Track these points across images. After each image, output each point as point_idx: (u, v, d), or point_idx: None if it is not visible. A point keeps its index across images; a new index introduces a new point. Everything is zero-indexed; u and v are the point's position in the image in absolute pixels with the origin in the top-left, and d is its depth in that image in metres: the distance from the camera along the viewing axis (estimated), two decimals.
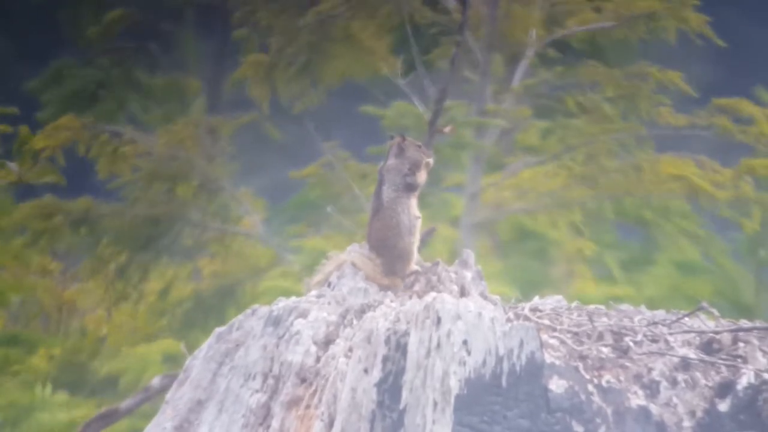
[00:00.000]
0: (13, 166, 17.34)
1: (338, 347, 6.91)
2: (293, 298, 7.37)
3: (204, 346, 7.33)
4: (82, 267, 19.49)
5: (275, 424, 6.76)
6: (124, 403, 10.95)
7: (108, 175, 19.17)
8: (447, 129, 12.70)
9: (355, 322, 7.08)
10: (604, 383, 6.87)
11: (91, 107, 22.22)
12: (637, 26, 19.10)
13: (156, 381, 10.77)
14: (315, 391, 6.78)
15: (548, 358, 6.86)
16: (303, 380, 6.85)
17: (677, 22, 18.92)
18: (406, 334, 6.67)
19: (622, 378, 6.93)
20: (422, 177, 7.82)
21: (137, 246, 19.11)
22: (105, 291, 19.30)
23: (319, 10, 19.55)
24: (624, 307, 7.98)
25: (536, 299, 8.13)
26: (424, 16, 19.41)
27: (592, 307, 7.88)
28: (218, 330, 7.36)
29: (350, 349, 6.82)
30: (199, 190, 19.23)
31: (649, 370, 6.99)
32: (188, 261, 19.94)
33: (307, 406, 6.75)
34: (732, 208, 18.34)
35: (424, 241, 9.10)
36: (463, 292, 7.60)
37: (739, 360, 7.10)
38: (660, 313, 7.87)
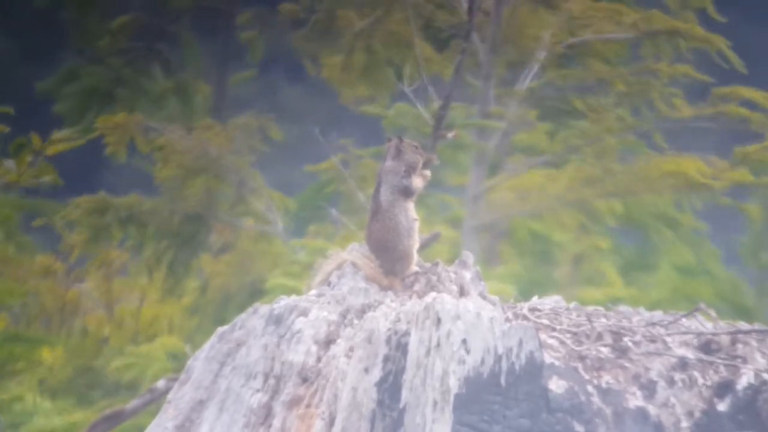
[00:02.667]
0: (10, 165, 17.35)
1: (339, 347, 6.93)
2: (294, 297, 7.37)
3: (206, 345, 7.33)
4: (137, 266, 19.66)
5: (276, 423, 6.77)
6: (130, 405, 10.99)
7: (159, 174, 19.33)
8: (451, 134, 12.73)
9: (355, 321, 7.09)
10: (603, 384, 6.88)
11: (110, 105, 22.32)
12: (658, 42, 19.07)
13: (161, 383, 10.82)
14: (316, 390, 6.80)
15: (548, 358, 6.86)
16: (304, 380, 6.87)
17: (698, 42, 18.88)
18: (407, 333, 6.69)
19: (621, 378, 6.94)
20: (418, 182, 7.80)
21: (180, 242, 19.29)
22: (154, 287, 19.50)
23: (370, 15, 19.65)
24: (622, 308, 7.98)
25: (535, 299, 8.13)
26: (438, 20, 19.43)
27: (590, 308, 7.88)
28: (220, 329, 7.37)
29: (351, 349, 6.83)
30: (233, 189, 19.39)
31: (647, 370, 7.00)
32: (218, 256, 20.12)
33: (308, 406, 6.76)
34: (735, 196, 18.37)
35: (428, 246, 9.13)
36: (462, 292, 7.61)
37: (738, 360, 7.10)
38: (658, 314, 7.87)
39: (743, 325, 7.59)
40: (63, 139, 18.06)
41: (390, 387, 6.59)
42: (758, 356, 7.11)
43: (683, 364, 7.06)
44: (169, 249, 19.29)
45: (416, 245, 7.79)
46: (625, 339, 7.26)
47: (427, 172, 7.90)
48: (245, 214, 19.49)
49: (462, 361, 6.54)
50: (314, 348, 6.95)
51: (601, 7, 19.49)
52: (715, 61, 18.67)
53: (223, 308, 19.18)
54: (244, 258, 19.92)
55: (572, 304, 7.99)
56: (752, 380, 6.93)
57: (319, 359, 6.91)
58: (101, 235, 18.94)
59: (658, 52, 19.01)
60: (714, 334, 7.33)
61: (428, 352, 6.58)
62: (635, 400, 6.85)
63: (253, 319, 7.25)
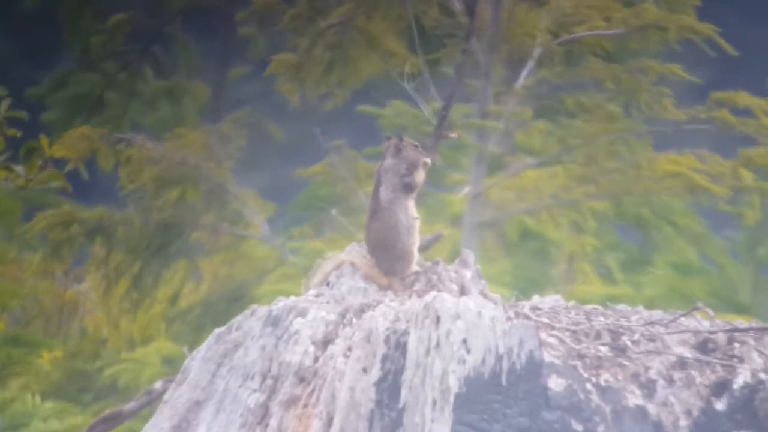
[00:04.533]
0: (19, 170, 17.36)
1: (337, 347, 6.93)
2: (292, 298, 7.37)
3: (203, 346, 7.33)
4: (99, 280, 19.57)
5: (273, 423, 6.77)
6: (128, 406, 10.95)
7: (129, 185, 19.23)
8: (453, 134, 12.75)
9: (354, 321, 7.09)
10: (602, 382, 6.88)
11: (98, 111, 22.29)
12: (646, 35, 19.12)
13: (159, 384, 10.79)
14: (313, 390, 6.80)
15: (547, 356, 6.87)
16: (301, 380, 6.87)
17: (686, 32, 18.94)
18: (406, 333, 6.70)
19: (619, 377, 6.95)
20: (420, 177, 7.81)
21: (149, 253, 19.19)
22: (120, 302, 19.40)
23: (339, 12, 19.69)
24: (621, 307, 8.00)
25: (536, 298, 8.14)
26: (430, 19, 19.45)
27: (589, 306, 7.89)
28: (217, 331, 7.38)
29: (349, 349, 6.83)
30: (207, 195, 19.33)
31: (646, 369, 7.01)
32: (195, 264, 20.05)
33: (305, 405, 6.77)
34: (732, 201, 18.35)
35: (430, 247, 9.12)
36: (462, 291, 7.61)
37: (735, 360, 7.11)
38: (657, 313, 7.88)
39: (740, 323, 7.60)
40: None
41: (389, 387, 6.59)
42: (755, 355, 7.12)
43: (682, 363, 7.07)
44: (135, 261, 19.19)
45: (416, 244, 7.78)
46: (624, 338, 7.27)
47: (428, 160, 7.88)
48: (224, 220, 19.44)
49: (462, 361, 6.55)
50: (311, 348, 6.96)
51: (590, 3, 19.57)
52: (710, 60, 18.68)
53: (203, 315, 19.15)
54: (226, 265, 19.89)
55: (571, 303, 8.01)
56: (748, 379, 6.94)
57: (316, 359, 6.91)
58: (63, 248, 18.83)
59: (647, 45, 19.08)
60: (712, 333, 7.34)
61: (428, 352, 6.59)
62: (634, 398, 6.86)
63: (251, 320, 7.25)
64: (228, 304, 18.63)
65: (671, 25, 18.86)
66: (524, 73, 19.33)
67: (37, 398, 16.85)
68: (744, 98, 18.41)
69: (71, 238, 18.72)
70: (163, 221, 19.05)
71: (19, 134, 16.35)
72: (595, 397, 6.78)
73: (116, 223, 18.88)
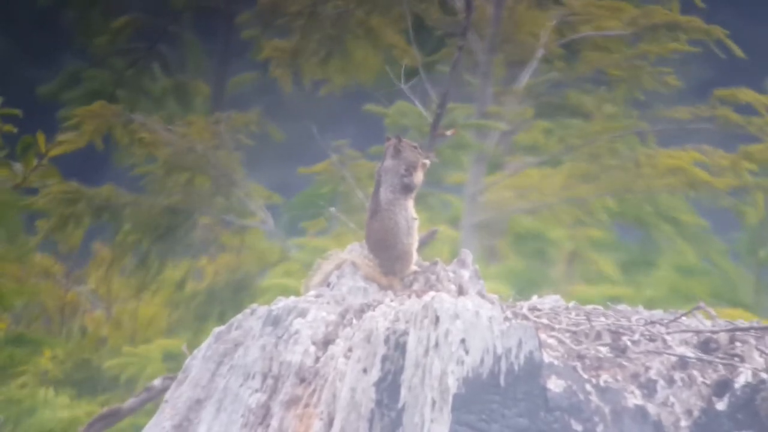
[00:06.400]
0: (18, 168, 17.35)
1: (337, 347, 6.93)
2: (292, 298, 7.38)
3: (203, 345, 7.33)
4: (106, 254, 19.68)
5: (274, 423, 6.77)
6: (127, 404, 10.96)
7: (142, 161, 19.31)
8: (449, 132, 12.75)
9: (354, 321, 7.09)
10: (602, 383, 6.88)
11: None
12: (657, 36, 19.10)
13: (158, 381, 10.79)
14: (314, 390, 6.80)
15: (547, 357, 6.87)
16: (302, 380, 6.86)
17: (698, 34, 18.91)
18: (405, 333, 6.69)
19: (619, 377, 6.94)
20: (419, 178, 7.82)
21: (156, 236, 19.24)
22: (126, 280, 19.49)
23: (337, 4, 19.71)
24: (621, 307, 7.99)
25: (534, 298, 8.14)
26: (430, 18, 19.46)
27: (589, 306, 7.89)
28: (217, 330, 7.38)
29: (350, 349, 6.83)
30: (215, 184, 19.36)
31: (647, 369, 7.00)
32: (202, 255, 20.07)
33: (306, 405, 6.76)
34: (734, 196, 18.35)
35: (426, 243, 9.10)
36: (461, 291, 7.61)
37: (736, 359, 7.10)
38: (657, 313, 7.88)
39: (742, 323, 7.60)
40: (66, 141, 18.07)
41: (388, 387, 6.59)
42: (756, 355, 7.11)
43: (683, 363, 7.06)
44: (142, 241, 19.22)
45: (416, 244, 7.79)
46: (624, 338, 7.27)
47: (427, 162, 7.89)
48: (230, 210, 19.46)
49: (461, 362, 6.54)
50: (312, 348, 6.96)
51: (601, 4, 19.54)
52: (715, 61, 18.68)
53: (207, 304, 19.15)
54: (230, 254, 19.92)
55: (571, 303, 8.00)
56: (750, 379, 6.94)
57: (317, 359, 6.91)
58: (69, 224, 18.87)
59: (659, 46, 19.05)
60: (713, 332, 7.34)
61: (426, 352, 6.59)
62: (634, 398, 6.86)
63: (251, 319, 7.25)
64: (233, 293, 18.66)
65: (681, 25, 18.84)
66: (527, 72, 19.32)
67: (50, 391, 16.86)
68: (746, 94, 18.41)
69: (77, 214, 18.78)
70: (171, 205, 19.11)
71: (14, 131, 16.33)
72: (594, 398, 6.78)
73: (124, 204, 18.96)
